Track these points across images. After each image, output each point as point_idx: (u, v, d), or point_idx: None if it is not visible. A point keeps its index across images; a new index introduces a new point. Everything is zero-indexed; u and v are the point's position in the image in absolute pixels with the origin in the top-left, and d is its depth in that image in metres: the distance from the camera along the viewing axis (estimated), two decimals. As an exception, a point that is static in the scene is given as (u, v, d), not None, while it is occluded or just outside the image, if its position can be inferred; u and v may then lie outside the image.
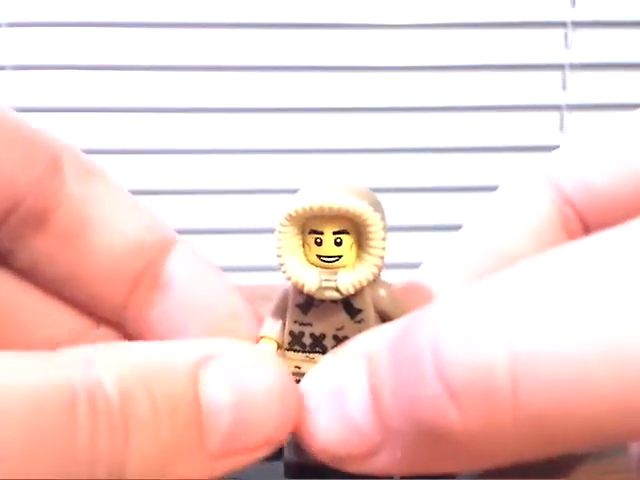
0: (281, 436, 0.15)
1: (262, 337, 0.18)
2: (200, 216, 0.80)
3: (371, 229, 0.16)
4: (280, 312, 0.18)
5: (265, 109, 0.79)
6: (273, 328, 0.18)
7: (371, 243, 0.16)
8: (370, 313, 0.17)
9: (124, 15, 0.77)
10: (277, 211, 0.17)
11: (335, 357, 0.15)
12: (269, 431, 0.14)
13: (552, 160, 0.18)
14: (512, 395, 0.12)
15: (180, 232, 0.20)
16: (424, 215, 0.80)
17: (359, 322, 0.17)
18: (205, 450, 0.13)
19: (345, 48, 0.79)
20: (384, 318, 0.17)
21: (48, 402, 0.12)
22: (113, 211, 0.19)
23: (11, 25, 0.76)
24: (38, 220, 0.18)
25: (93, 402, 0.12)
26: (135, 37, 0.78)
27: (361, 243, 0.17)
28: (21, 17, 0.76)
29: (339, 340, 0.17)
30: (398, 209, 0.79)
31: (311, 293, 0.17)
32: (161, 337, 0.19)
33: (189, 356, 0.14)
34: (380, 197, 0.17)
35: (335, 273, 0.17)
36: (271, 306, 0.18)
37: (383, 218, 0.17)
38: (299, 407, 0.15)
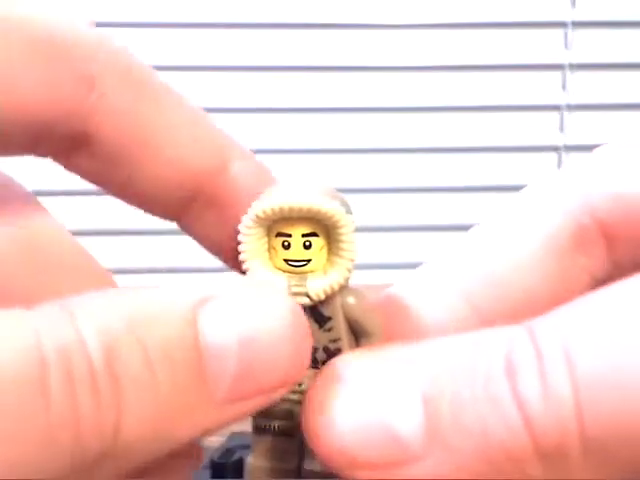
0: (296, 376, 0.14)
1: None
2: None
3: (343, 231, 0.15)
4: None
5: (264, 109, 0.79)
6: None
7: (342, 246, 0.16)
8: (340, 321, 0.16)
9: (124, 15, 0.77)
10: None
11: (376, 358, 0.14)
12: (282, 371, 0.13)
13: (578, 169, 0.17)
14: (577, 420, 0.12)
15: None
16: (424, 215, 0.80)
17: (328, 331, 0.16)
18: (211, 398, 0.12)
19: (345, 48, 0.79)
20: (354, 327, 0.16)
21: (8, 373, 0.10)
22: (165, 131, 0.17)
23: (11, 25, 0.76)
24: (77, 143, 0.16)
25: (67, 364, 0.11)
26: (135, 37, 0.77)
27: (331, 246, 0.16)
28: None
29: None
30: (397, 209, 0.79)
31: None
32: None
33: (185, 298, 0.13)
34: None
35: (304, 278, 0.16)
36: None
37: (353, 221, 0.16)
38: (309, 344, 0.14)
